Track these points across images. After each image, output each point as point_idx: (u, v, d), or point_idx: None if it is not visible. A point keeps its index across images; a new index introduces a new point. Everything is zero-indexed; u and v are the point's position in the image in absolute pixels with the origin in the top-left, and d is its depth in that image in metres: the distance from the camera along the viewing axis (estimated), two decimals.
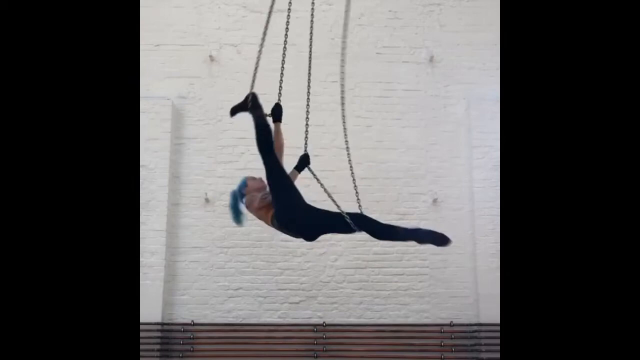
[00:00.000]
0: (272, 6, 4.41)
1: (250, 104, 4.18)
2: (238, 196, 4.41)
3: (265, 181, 4.27)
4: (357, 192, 4.42)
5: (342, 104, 4.43)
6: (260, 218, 4.32)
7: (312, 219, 4.08)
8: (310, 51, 4.72)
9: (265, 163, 4.07)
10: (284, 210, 4.07)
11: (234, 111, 4.28)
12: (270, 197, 4.19)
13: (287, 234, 4.25)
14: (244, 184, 4.41)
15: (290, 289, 7.40)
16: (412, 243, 7.44)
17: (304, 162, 4.46)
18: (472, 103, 7.75)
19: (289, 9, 4.46)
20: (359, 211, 4.18)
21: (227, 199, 7.41)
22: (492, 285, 6.93)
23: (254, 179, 4.43)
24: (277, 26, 8.21)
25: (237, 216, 4.42)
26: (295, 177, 4.52)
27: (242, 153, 7.54)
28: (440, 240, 4.10)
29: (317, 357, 7.13)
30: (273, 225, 4.20)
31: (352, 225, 3.99)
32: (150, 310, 6.88)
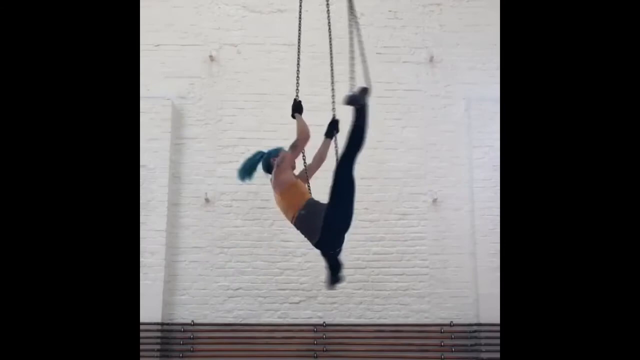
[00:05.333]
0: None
1: (365, 101, 3.90)
2: (262, 161, 4.22)
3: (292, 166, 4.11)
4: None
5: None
6: (282, 199, 4.08)
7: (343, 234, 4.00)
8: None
9: (346, 162, 3.88)
10: (339, 217, 3.88)
11: (349, 102, 3.91)
12: (305, 185, 4.08)
13: (309, 236, 4.02)
14: (275, 154, 4.17)
15: (290, 289, 7.40)
16: (412, 243, 7.51)
17: (333, 127, 4.38)
18: (472, 103, 7.74)
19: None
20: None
21: (227, 199, 7.51)
22: (492, 285, 6.94)
23: (289, 155, 4.14)
24: (277, 26, 8.23)
25: (247, 173, 4.19)
26: (328, 146, 4.40)
27: (242, 153, 7.52)
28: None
29: (317, 357, 7.13)
30: (298, 217, 3.98)
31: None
32: (150, 310, 6.88)
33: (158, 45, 7.79)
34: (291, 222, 4.13)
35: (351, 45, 4.46)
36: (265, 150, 4.35)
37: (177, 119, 7.66)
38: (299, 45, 4.68)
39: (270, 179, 4.18)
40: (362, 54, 4.34)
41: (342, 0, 7.95)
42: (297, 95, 4.38)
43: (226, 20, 7.95)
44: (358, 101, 3.88)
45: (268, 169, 4.22)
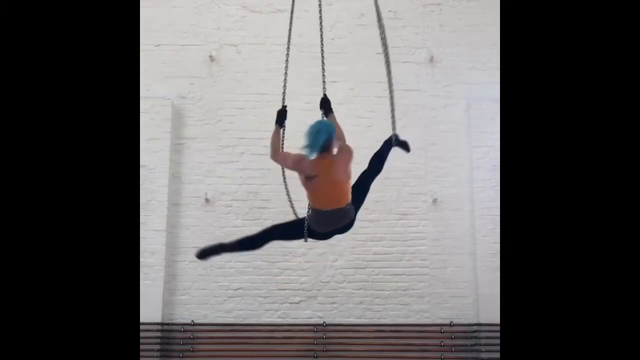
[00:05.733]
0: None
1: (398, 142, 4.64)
2: (328, 137, 3.88)
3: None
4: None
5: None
6: (342, 188, 3.98)
7: None
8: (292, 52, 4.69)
9: (369, 177, 4.36)
10: (357, 208, 4.16)
11: (400, 144, 4.69)
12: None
13: (326, 227, 4.11)
14: (334, 130, 3.96)
15: (290, 289, 7.40)
16: (412, 243, 7.50)
17: (282, 116, 4.29)
18: (472, 103, 7.75)
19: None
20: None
21: (227, 199, 7.50)
22: (492, 285, 6.94)
23: None
24: (277, 26, 8.24)
25: (319, 145, 3.87)
26: (278, 135, 4.24)
27: (242, 153, 7.54)
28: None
29: (317, 357, 7.13)
30: (342, 209, 4.00)
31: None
32: (150, 310, 6.88)
33: (158, 45, 7.79)
34: (328, 208, 4.02)
35: (390, 86, 4.77)
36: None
37: (177, 119, 7.66)
38: (321, 41, 4.58)
39: (321, 158, 3.95)
40: (392, 93, 4.76)
41: (341, 0, 8.02)
42: (324, 92, 4.21)
43: (226, 20, 7.95)
44: (407, 146, 4.68)
45: (326, 148, 3.95)
